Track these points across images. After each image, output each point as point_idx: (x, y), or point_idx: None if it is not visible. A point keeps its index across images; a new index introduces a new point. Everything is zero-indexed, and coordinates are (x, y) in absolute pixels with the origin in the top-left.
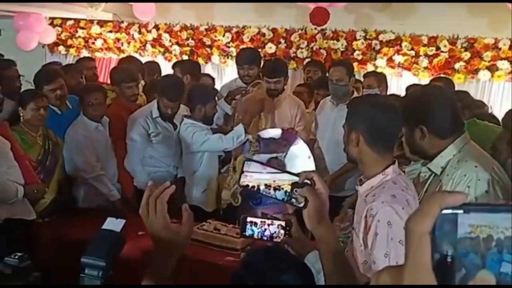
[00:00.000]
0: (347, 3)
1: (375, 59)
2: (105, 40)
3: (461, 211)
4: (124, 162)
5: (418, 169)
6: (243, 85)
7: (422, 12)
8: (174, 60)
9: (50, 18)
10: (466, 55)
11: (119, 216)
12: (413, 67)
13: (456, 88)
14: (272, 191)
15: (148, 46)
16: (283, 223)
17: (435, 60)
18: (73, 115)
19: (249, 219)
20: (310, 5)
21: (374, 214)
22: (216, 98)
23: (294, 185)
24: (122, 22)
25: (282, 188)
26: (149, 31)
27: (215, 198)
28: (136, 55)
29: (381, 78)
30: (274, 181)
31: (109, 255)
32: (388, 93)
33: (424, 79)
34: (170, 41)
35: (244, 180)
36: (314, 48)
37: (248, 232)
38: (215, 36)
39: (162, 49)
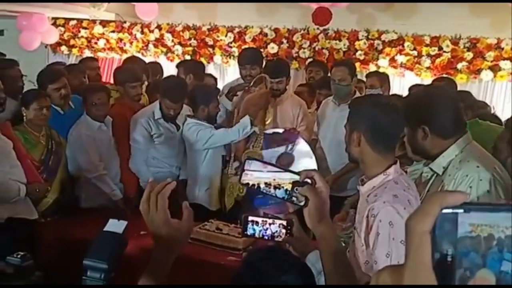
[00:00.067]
0: (349, 3)
1: (378, 59)
2: (107, 40)
3: (461, 210)
4: (127, 162)
5: (420, 169)
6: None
7: (425, 12)
8: (176, 60)
9: (52, 18)
10: (469, 55)
11: (121, 216)
12: (416, 67)
13: (459, 88)
14: (272, 190)
15: (151, 46)
16: (284, 223)
17: (438, 60)
18: (75, 115)
19: (250, 218)
20: (313, 5)
21: (376, 214)
22: (218, 97)
23: (294, 183)
24: (125, 22)
25: (282, 187)
26: (152, 31)
27: (218, 197)
28: (139, 55)
29: (383, 78)
30: (274, 179)
31: (111, 257)
32: (391, 93)
33: (427, 79)
34: (172, 41)
35: (245, 179)
36: (317, 48)
37: (250, 232)
38: (218, 36)
39: (164, 49)
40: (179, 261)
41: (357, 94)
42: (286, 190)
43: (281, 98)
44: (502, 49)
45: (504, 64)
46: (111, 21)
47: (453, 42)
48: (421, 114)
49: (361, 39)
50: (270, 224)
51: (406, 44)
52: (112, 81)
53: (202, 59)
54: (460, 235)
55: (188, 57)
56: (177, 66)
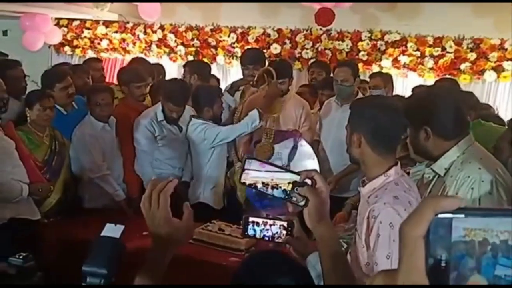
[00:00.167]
0: (352, 3)
1: (381, 59)
2: (110, 41)
3: (455, 215)
4: (130, 162)
5: (423, 170)
6: None
7: (428, 13)
8: (179, 60)
9: (56, 18)
10: (472, 56)
11: (124, 216)
12: (419, 68)
13: (462, 89)
14: (269, 189)
15: (154, 46)
16: (285, 223)
17: (441, 61)
18: (78, 115)
19: (251, 219)
20: (316, 6)
21: (376, 216)
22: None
23: (294, 184)
24: (128, 22)
25: (280, 187)
26: (155, 32)
27: (222, 196)
28: (141, 56)
29: (387, 79)
30: (272, 179)
31: (110, 262)
32: (394, 94)
33: (430, 79)
34: (175, 41)
35: (244, 178)
36: (319, 49)
37: (250, 232)
38: (220, 37)
39: (167, 50)
40: (182, 262)
41: (360, 95)
42: (284, 190)
43: (284, 99)
44: (506, 49)
45: (507, 64)
46: (114, 22)
47: (456, 42)
48: (423, 115)
49: (364, 40)
50: (270, 225)
51: (409, 44)
52: (115, 81)
53: (205, 60)
54: (454, 239)
55: (191, 58)
56: (184, 66)
